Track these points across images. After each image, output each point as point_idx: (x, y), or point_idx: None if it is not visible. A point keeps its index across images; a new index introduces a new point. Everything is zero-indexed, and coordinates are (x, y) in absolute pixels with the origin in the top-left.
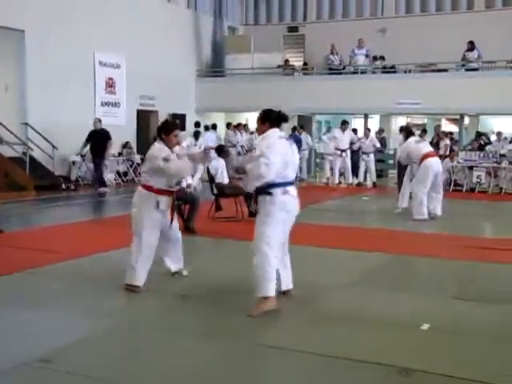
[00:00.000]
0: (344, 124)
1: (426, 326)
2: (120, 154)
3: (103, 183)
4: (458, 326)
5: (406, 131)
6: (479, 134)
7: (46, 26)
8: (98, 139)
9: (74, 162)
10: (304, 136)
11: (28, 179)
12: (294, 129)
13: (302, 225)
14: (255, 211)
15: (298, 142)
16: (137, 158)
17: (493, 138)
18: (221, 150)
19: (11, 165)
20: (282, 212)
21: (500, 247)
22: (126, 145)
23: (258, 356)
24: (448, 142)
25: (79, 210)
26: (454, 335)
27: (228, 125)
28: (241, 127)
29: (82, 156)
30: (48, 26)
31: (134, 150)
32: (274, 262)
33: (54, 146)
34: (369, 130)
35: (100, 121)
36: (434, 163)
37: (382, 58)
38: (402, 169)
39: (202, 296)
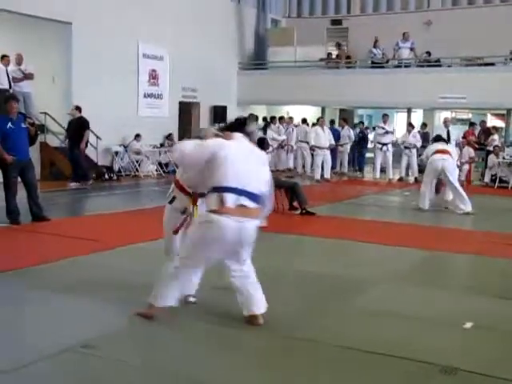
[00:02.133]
0: (385, 117)
1: (468, 325)
2: (162, 145)
3: (83, 176)
4: (504, 326)
5: (435, 138)
6: None
7: (92, 18)
8: (74, 129)
9: (116, 153)
10: (346, 130)
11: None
12: (331, 122)
13: (339, 218)
14: (297, 205)
15: (336, 136)
16: None
17: None
18: (261, 143)
19: (57, 154)
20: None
21: None
22: (168, 136)
23: (294, 350)
24: (496, 137)
25: (121, 199)
26: (499, 335)
27: (271, 119)
28: (283, 121)
29: (125, 147)
30: (94, 19)
31: (176, 141)
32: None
33: (97, 137)
34: (411, 125)
35: (78, 108)
36: (439, 159)
37: (428, 53)
38: None
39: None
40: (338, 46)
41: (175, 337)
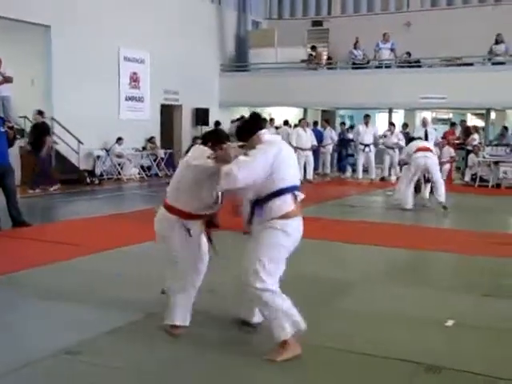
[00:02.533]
0: (366, 118)
1: (450, 323)
2: (144, 149)
3: (46, 182)
4: (486, 323)
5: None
6: (503, 128)
7: (71, 21)
8: (36, 133)
9: (98, 157)
10: (328, 131)
11: (53, 173)
12: (314, 123)
13: (324, 220)
14: None
15: (319, 137)
16: (160, 152)
17: None
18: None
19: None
20: None
21: None
22: (150, 139)
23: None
24: (476, 136)
25: (103, 203)
26: (482, 332)
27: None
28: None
29: (106, 150)
30: (74, 22)
31: (158, 144)
32: None
33: (79, 141)
34: (393, 125)
35: (40, 113)
36: (421, 156)
37: (408, 53)
38: None
39: (229, 291)
40: (313, 48)
41: (160, 340)
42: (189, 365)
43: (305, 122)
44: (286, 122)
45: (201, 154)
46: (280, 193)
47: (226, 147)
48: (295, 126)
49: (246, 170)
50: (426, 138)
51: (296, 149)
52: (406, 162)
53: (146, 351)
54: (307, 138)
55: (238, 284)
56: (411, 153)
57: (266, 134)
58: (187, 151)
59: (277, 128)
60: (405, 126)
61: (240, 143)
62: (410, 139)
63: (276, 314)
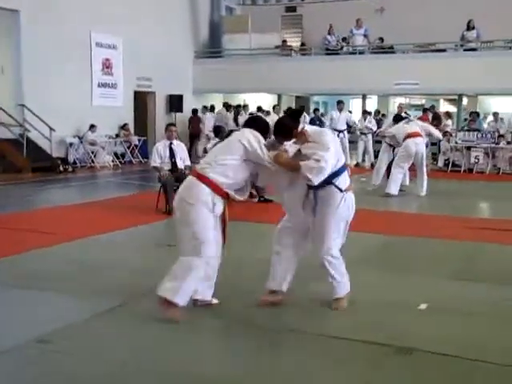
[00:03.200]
0: (339, 104)
1: (423, 306)
2: (117, 136)
3: None
4: (457, 306)
5: (396, 117)
6: (474, 114)
7: (40, 6)
8: None
9: (71, 144)
10: (303, 117)
11: (25, 161)
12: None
13: None
14: (255, 193)
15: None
16: (134, 139)
17: (489, 118)
18: (218, 131)
19: (8, 147)
20: None
21: (499, 228)
22: (123, 126)
23: (257, 338)
24: (449, 122)
25: (76, 191)
26: (453, 314)
27: (227, 107)
28: (241, 108)
29: (79, 138)
30: (43, 7)
31: (132, 131)
32: None
33: (51, 128)
34: (368, 113)
35: None
36: (412, 144)
37: (381, 39)
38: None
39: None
40: (284, 42)
41: (135, 329)
42: (168, 354)
43: (279, 109)
44: (259, 109)
45: (259, 142)
46: (342, 171)
47: (285, 147)
48: (267, 112)
49: (329, 162)
50: None
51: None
52: (384, 136)
53: (119, 339)
54: None
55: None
56: (400, 139)
57: (306, 126)
58: (227, 136)
59: (251, 114)
60: (377, 112)
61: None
62: (396, 118)
63: (341, 278)
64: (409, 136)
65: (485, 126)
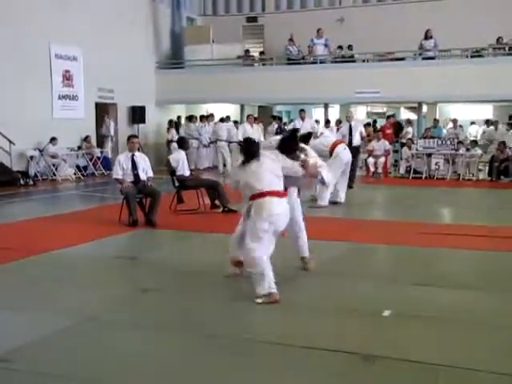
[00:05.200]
0: (301, 112)
1: (387, 313)
2: (79, 148)
3: None
4: (420, 312)
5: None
6: (436, 121)
7: None
8: None
9: (32, 157)
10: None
11: None
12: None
13: None
14: (219, 204)
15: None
16: (97, 151)
17: (449, 125)
18: (182, 142)
19: None
20: None
21: (457, 233)
22: (85, 138)
23: (215, 347)
24: (410, 129)
25: (37, 205)
26: (417, 321)
27: (190, 117)
28: (205, 119)
29: (40, 151)
30: (1, 17)
31: (94, 143)
32: None
33: (10, 141)
34: (329, 121)
35: None
36: (341, 152)
37: (340, 47)
38: None
39: (162, 289)
40: (247, 52)
41: (97, 344)
42: (126, 368)
43: (252, 118)
44: (222, 119)
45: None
46: None
47: (309, 160)
48: (235, 122)
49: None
50: (350, 133)
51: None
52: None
53: (81, 356)
54: (253, 133)
55: None
56: (326, 148)
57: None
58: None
59: (215, 124)
60: (339, 122)
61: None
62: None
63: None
64: (336, 143)
65: (444, 132)
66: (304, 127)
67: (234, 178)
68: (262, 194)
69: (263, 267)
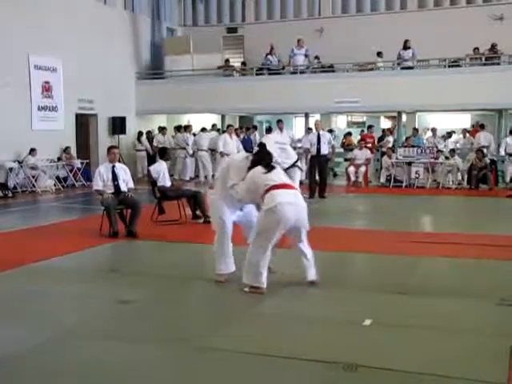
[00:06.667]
0: (279, 123)
1: (368, 322)
2: (59, 159)
3: None
4: (400, 321)
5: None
6: (414, 130)
7: None
8: None
9: (11, 169)
10: (253, 137)
11: None
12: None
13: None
14: (200, 214)
15: (248, 143)
16: (77, 162)
17: (428, 134)
18: (163, 153)
19: None
20: None
21: (439, 241)
22: (65, 150)
23: (199, 359)
24: (390, 138)
25: (16, 218)
26: (397, 329)
27: (178, 128)
28: (189, 129)
29: (19, 162)
30: None
31: (74, 154)
32: None
33: None
34: (310, 129)
35: None
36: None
37: (317, 57)
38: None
39: (142, 301)
40: (227, 61)
41: (72, 359)
42: (110, 375)
43: (232, 129)
44: (203, 129)
45: None
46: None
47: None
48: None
49: None
50: (319, 142)
51: (223, 154)
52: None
53: (58, 371)
54: (233, 144)
55: None
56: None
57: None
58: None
59: (194, 135)
60: (309, 129)
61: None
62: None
63: None
64: None
65: (424, 141)
66: (283, 137)
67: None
68: (276, 187)
69: (259, 261)
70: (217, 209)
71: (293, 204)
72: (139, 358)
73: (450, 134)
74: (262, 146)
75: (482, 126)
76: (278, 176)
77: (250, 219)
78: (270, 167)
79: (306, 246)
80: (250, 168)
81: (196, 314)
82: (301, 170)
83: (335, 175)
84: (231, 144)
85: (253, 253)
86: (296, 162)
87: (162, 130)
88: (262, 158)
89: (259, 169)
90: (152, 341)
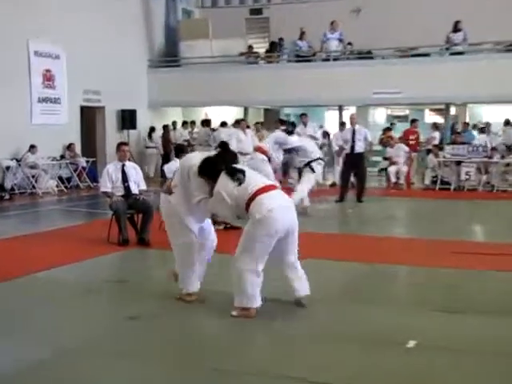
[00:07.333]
0: (302, 117)
1: (412, 344)
2: (62, 157)
3: None
4: (447, 342)
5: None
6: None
7: None
8: None
9: (8, 168)
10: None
11: None
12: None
13: None
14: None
15: None
16: (82, 161)
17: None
18: (180, 151)
19: None
20: None
21: (490, 253)
22: (69, 147)
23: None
24: (436, 134)
25: (15, 222)
26: (446, 353)
27: (184, 123)
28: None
29: (17, 160)
30: None
31: (79, 151)
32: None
33: None
34: (343, 124)
35: None
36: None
37: (350, 43)
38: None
39: (152, 316)
40: (250, 47)
41: (74, 379)
42: None
43: (244, 124)
44: (223, 124)
45: None
46: None
47: None
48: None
49: None
50: (354, 138)
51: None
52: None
53: None
54: (248, 141)
55: None
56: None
57: None
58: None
59: (213, 130)
60: (342, 125)
61: None
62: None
63: None
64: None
65: (476, 138)
66: (306, 132)
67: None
68: (259, 191)
69: (246, 280)
70: (177, 215)
71: (284, 206)
72: (143, 378)
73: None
74: (223, 145)
75: None
76: (254, 180)
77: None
78: (237, 176)
79: (296, 259)
80: (212, 179)
81: (213, 332)
82: (313, 171)
83: (382, 170)
84: (245, 141)
85: (243, 271)
86: (312, 161)
87: (184, 124)
88: (223, 162)
89: (227, 182)
90: (163, 360)
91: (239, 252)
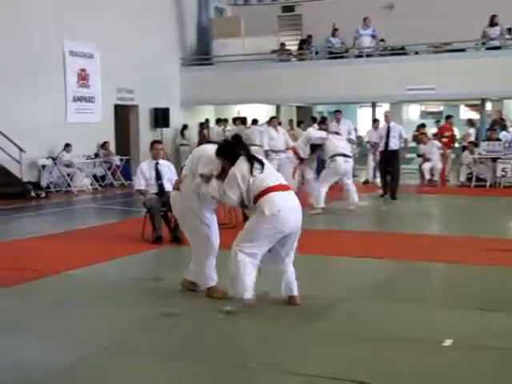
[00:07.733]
0: (336, 114)
1: (448, 342)
2: (96, 156)
3: None
4: (484, 341)
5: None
6: (494, 122)
7: (5, 12)
8: None
9: (44, 167)
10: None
11: None
12: (290, 122)
13: (307, 229)
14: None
15: None
16: (116, 159)
17: None
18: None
19: None
20: None
21: None
22: (103, 145)
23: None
24: (472, 131)
25: (50, 220)
26: (481, 351)
27: (217, 121)
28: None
29: (53, 159)
30: (9, 13)
31: (113, 150)
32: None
33: (20, 149)
34: (377, 121)
35: None
36: (339, 164)
37: (382, 40)
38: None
39: (186, 314)
40: (283, 45)
41: (110, 377)
42: None
43: (276, 121)
44: (254, 121)
45: None
46: None
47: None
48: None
49: None
50: (388, 135)
51: (269, 152)
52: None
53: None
54: (280, 138)
55: None
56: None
57: None
58: None
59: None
60: (375, 121)
61: None
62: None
63: None
64: (339, 154)
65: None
66: (339, 130)
67: None
68: (273, 188)
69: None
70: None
71: (292, 208)
72: (177, 377)
73: None
74: (236, 137)
75: None
76: (270, 176)
77: None
78: (257, 165)
79: (291, 262)
80: (229, 161)
81: (248, 329)
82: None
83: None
84: (276, 138)
85: (242, 254)
86: (337, 155)
87: (218, 121)
88: (243, 148)
89: (245, 167)
90: (194, 358)
91: (241, 237)
